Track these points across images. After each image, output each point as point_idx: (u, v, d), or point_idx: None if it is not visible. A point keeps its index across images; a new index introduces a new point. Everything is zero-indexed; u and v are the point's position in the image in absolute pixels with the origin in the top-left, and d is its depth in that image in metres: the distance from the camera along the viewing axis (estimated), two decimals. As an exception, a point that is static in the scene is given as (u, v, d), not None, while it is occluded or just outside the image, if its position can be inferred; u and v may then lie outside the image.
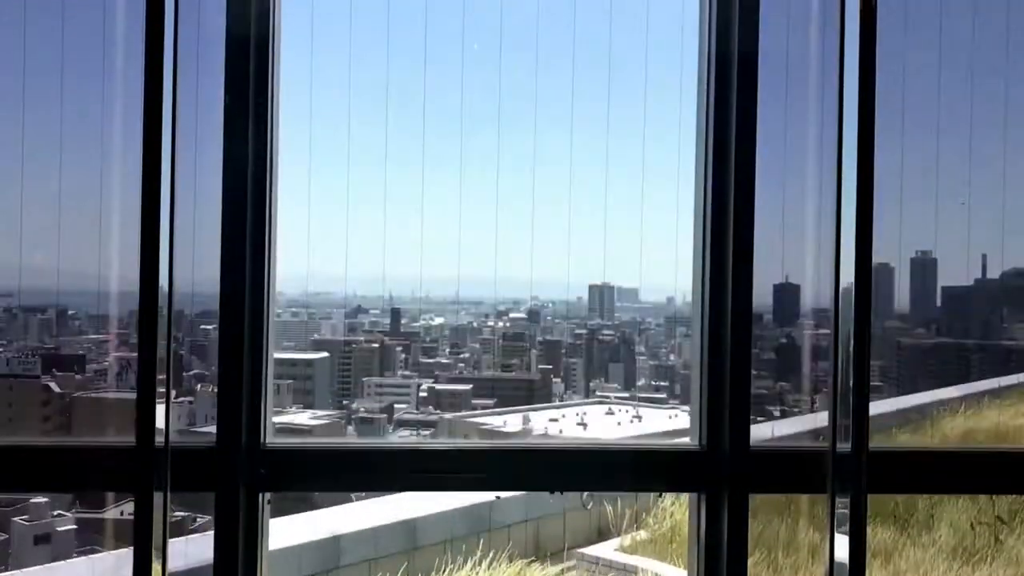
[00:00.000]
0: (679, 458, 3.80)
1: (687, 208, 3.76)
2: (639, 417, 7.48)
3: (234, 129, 3.50)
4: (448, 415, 7.86)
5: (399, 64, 4.14)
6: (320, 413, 7.59)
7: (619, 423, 7.30)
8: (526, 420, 7.69)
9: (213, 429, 3.51)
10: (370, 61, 4.31)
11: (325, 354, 8.90)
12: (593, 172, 4.32)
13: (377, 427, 7.49)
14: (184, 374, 4.79)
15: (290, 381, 9.05)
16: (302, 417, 7.65)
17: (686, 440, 3.84)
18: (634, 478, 3.85)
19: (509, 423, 7.73)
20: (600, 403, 7.65)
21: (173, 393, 3.45)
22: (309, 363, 9.32)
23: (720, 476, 3.61)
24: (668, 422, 7.01)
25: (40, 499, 5.57)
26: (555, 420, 7.39)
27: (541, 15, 4.15)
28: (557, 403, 7.72)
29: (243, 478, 3.51)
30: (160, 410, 3.13)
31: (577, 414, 7.61)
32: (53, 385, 5.13)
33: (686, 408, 4.35)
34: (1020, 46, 3.92)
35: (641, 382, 6.43)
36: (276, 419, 3.79)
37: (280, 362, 4.01)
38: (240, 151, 3.51)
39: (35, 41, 3.78)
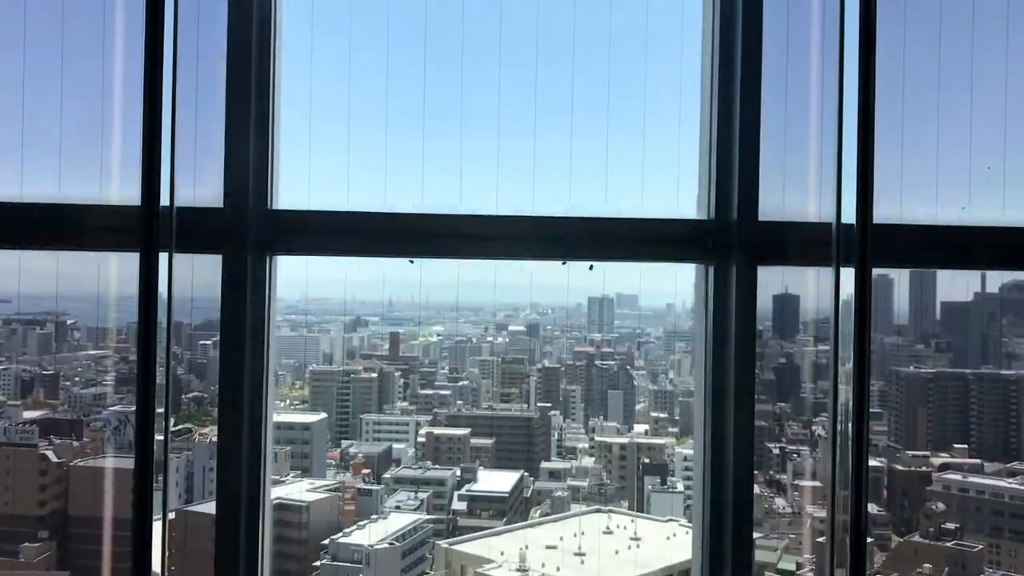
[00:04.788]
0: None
1: (688, 212, 3.76)
2: (638, 540, 7.40)
3: (236, 128, 3.51)
4: (443, 542, 7.88)
5: (396, 66, 4.17)
6: (318, 483, 7.59)
7: (617, 551, 7.23)
8: (523, 559, 7.65)
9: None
10: (371, 59, 4.33)
11: (323, 415, 8.89)
12: (593, 174, 4.32)
13: (375, 498, 7.49)
14: (183, 396, 4.78)
15: (288, 447, 9.04)
16: (299, 488, 7.62)
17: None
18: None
19: (507, 552, 7.68)
20: (597, 511, 7.62)
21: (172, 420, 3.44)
22: (307, 426, 9.30)
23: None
24: (666, 544, 6.98)
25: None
26: (553, 547, 7.35)
27: (541, 12, 4.17)
28: (553, 514, 7.70)
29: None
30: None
31: (575, 535, 7.53)
32: (51, 454, 5.11)
33: (687, 523, 4.33)
34: (1020, 51, 3.94)
35: (641, 405, 6.41)
36: (274, 491, 3.77)
37: (277, 425, 3.99)
38: (242, 152, 3.51)
39: (33, 41, 3.79)
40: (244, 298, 3.51)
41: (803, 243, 3.66)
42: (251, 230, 3.53)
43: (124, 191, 3.49)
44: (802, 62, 3.80)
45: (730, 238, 3.60)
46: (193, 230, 3.40)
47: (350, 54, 4.55)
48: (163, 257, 3.16)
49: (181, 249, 3.30)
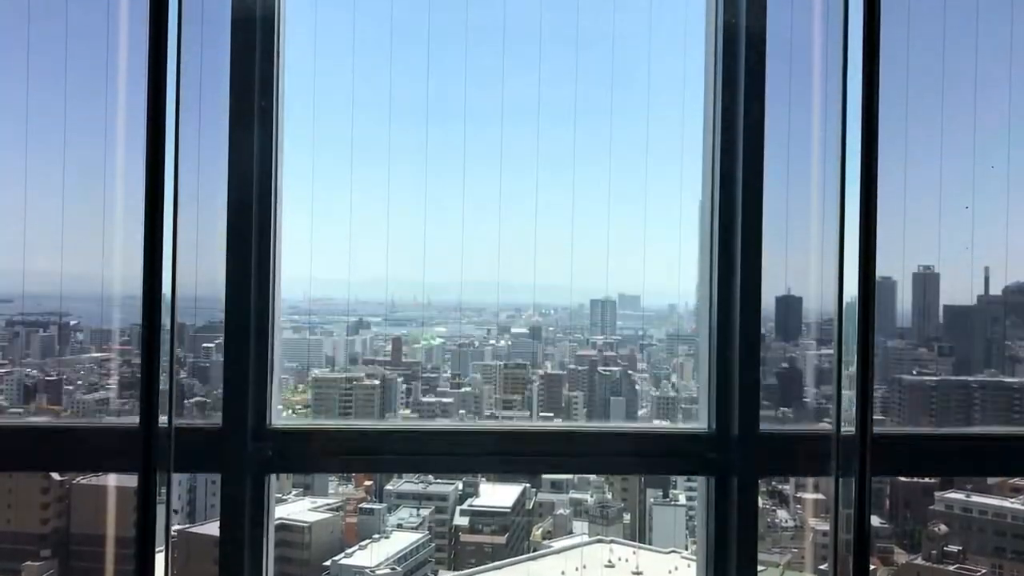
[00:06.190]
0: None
1: (689, 213, 3.76)
2: (640, 574, 7.40)
3: (239, 132, 3.51)
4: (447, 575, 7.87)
5: (400, 65, 4.18)
6: (320, 502, 7.57)
7: (617, 585, 7.24)
8: (523, 591, 7.61)
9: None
10: (373, 61, 4.34)
11: (325, 430, 8.96)
12: (596, 176, 4.33)
13: (377, 517, 7.48)
14: (185, 402, 4.76)
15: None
16: (300, 507, 7.59)
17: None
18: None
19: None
20: (599, 541, 7.61)
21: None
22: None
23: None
24: (668, 577, 6.99)
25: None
26: (554, 580, 7.36)
27: (544, 13, 4.18)
28: (555, 535, 7.69)
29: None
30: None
31: (577, 568, 7.52)
32: (53, 471, 5.10)
33: (689, 556, 4.35)
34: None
35: (643, 411, 6.40)
36: (276, 509, 3.79)
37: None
38: (246, 152, 3.51)
39: (37, 44, 3.80)
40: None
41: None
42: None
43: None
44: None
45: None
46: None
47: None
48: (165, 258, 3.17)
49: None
